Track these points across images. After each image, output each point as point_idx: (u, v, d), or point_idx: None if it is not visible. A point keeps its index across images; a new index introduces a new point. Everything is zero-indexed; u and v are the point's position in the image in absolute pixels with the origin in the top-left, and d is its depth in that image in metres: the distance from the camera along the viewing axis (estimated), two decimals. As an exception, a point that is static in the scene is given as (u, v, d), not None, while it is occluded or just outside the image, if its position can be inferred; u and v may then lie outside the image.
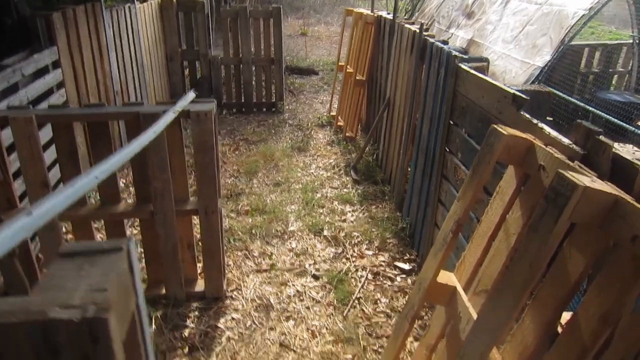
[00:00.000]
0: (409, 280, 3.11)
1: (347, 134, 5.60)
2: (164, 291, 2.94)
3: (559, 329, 1.51)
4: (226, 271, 3.18)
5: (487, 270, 1.78)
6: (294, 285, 3.11)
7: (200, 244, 2.96)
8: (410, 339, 2.61)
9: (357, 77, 5.34)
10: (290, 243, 3.57)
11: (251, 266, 3.30)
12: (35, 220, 0.98)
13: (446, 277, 1.96)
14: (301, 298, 2.98)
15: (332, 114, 6.43)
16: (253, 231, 3.70)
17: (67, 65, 3.92)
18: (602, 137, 1.49)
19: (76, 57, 4.07)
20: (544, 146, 1.64)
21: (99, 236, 3.30)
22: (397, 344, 2.04)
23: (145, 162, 2.59)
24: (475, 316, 1.68)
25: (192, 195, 3.02)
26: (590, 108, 3.63)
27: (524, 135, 1.75)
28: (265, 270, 3.25)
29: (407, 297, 2.95)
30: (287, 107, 6.93)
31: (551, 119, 2.29)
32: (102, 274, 0.64)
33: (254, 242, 3.57)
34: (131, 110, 2.51)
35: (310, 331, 2.71)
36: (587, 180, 1.31)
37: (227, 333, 2.70)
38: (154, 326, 2.73)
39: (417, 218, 3.41)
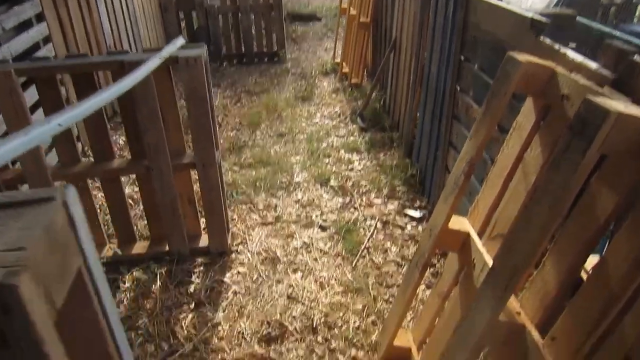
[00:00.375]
0: (420, 228, 2.99)
1: (352, 81, 5.36)
2: (167, 248, 2.86)
3: (584, 275, 1.38)
4: (230, 225, 3.09)
5: (503, 213, 1.64)
6: (300, 237, 3.01)
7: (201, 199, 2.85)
8: (422, 287, 2.52)
9: (361, 20, 5.04)
10: (296, 194, 3.46)
11: (256, 219, 3.20)
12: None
13: (459, 223, 1.82)
14: (308, 250, 2.89)
15: (336, 60, 6.16)
16: (257, 184, 3.58)
17: (52, 18, 3.71)
18: (636, 57, 1.29)
19: (62, 9, 3.85)
20: (567, 73, 1.46)
21: (100, 195, 3.22)
22: (407, 293, 1.94)
23: (136, 117, 2.44)
24: (490, 262, 1.55)
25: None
26: (618, 33, 3.35)
27: (544, 63, 1.55)
28: (271, 223, 3.16)
29: (417, 245, 2.84)
30: (289, 55, 6.66)
31: (575, 45, 2.07)
32: (24, 229, 0.51)
33: (258, 195, 3.46)
34: (115, 59, 2.33)
35: (318, 283, 2.63)
36: (620, 105, 1.13)
37: (233, 287, 2.63)
38: (159, 283, 2.67)
39: (427, 163, 3.25)
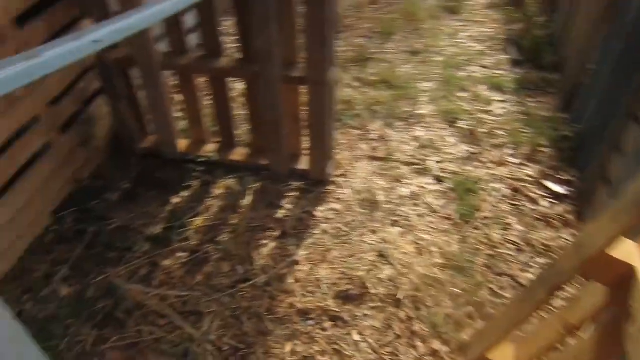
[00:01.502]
0: (559, 209, 2.42)
1: (516, -4, 4.40)
2: (265, 162, 2.66)
3: None
4: (336, 151, 2.77)
5: None
6: (409, 183, 2.61)
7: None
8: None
9: None
10: (415, 129, 2.99)
11: (365, 150, 2.84)
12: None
13: (625, 250, 1.30)
14: (415, 202, 2.50)
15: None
16: (375, 108, 3.16)
17: None
18: None
19: None
20: None
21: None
22: (523, 311, 1.52)
23: (249, 16, 2.10)
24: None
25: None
26: None
27: None
28: (380, 159, 2.78)
29: (549, 231, 2.31)
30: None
31: None
32: None
33: (374, 122, 3.05)
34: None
35: (416, 245, 2.27)
36: None
37: (322, 225, 2.38)
38: (249, 199, 2.51)
39: (591, 128, 2.55)
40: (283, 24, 2.18)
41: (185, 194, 2.53)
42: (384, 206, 2.48)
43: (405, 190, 2.57)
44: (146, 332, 1.90)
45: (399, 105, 3.18)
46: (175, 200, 2.50)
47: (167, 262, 2.18)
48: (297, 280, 2.13)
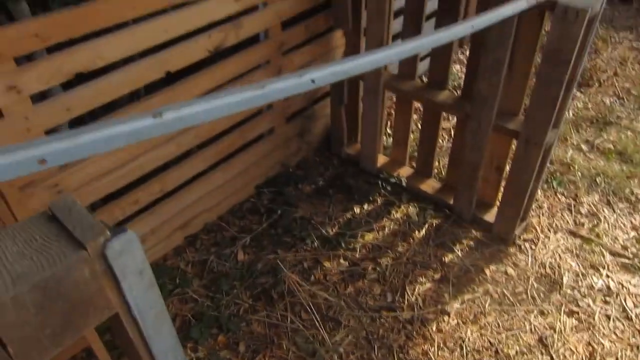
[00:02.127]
0: None
1: None
2: (451, 201, 2.61)
3: None
4: (532, 213, 2.55)
5: None
6: (608, 276, 2.25)
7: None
8: None
9: None
10: (639, 218, 2.54)
11: (567, 222, 2.54)
12: (166, 124, 0.76)
13: None
14: (607, 299, 2.15)
15: None
16: (598, 180, 2.78)
17: None
18: None
19: None
20: None
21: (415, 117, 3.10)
22: None
23: (479, 57, 2.07)
24: None
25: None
26: None
27: None
28: (583, 237, 2.45)
29: None
30: None
31: None
32: (16, 274, 0.37)
33: (589, 194, 2.69)
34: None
35: (590, 348, 1.96)
36: None
37: (488, 285, 2.24)
38: (423, 232, 2.51)
39: None
40: (513, 72, 2.09)
41: (366, 207, 2.66)
42: (567, 290, 2.19)
43: (599, 282, 2.22)
44: (289, 319, 2.09)
45: (629, 184, 2.73)
46: (356, 209, 2.64)
47: (328, 264, 2.34)
48: (439, 331, 2.06)
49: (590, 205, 2.63)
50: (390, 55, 1.10)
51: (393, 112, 2.83)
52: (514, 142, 2.25)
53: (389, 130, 3.10)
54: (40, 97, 1.64)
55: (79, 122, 1.77)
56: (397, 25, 2.72)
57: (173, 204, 2.27)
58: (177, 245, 2.41)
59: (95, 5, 1.58)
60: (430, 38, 1.36)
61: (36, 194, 1.68)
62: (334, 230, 2.51)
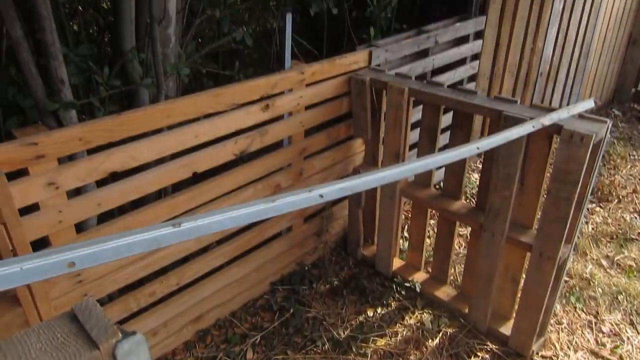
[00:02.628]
0: None
1: None
2: (467, 310, 2.57)
3: None
4: (550, 328, 2.48)
5: None
6: (633, 405, 2.12)
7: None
8: None
9: None
10: (666, 342, 2.43)
11: (589, 341, 2.45)
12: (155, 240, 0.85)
13: None
14: None
15: None
16: (620, 298, 2.71)
17: (490, 36, 3.70)
18: None
19: (505, 28, 3.77)
20: None
21: (431, 222, 3.16)
22: None
23: (496, 171, 2.17)
24: None
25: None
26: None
27: None
28: (604, 359, 2.34)
29: None
30: None
31: None
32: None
33: (611, 313, 2.62)
34: (494, 108, 2.09)
35: None
36: None
37: (503, 405, 2.13)
38: (436, 342, 2.45)
39: None
40: (525, 187, 2.16)
41: (380, 310, 2.64)
42: (588, 419, 2.06)
43: (623, 412, 2.09)
44: None
45: (653, 305, 2.65)
46: (369, 312, 2.62)
47: (337, 369, 2.29)
48: None
49: (612, 325, 2.55)
50: (394, 174, 1.20)
51: (410, 217, 2.90)
52: (529, 254, 2.26)
53: (405, 234, 3.15)
54: (75, 192, 1.79)
55: (107, 214, 1.90)
56: (414, 135, 2.89)
57: (187, 298, 2.32)
58: (187, 339, 2.41)
59: (135, 113, 1.77)
60: (435, 159, 1.47)
61: (58, 284, 1.76)
62: (345, 332, 2.48)
